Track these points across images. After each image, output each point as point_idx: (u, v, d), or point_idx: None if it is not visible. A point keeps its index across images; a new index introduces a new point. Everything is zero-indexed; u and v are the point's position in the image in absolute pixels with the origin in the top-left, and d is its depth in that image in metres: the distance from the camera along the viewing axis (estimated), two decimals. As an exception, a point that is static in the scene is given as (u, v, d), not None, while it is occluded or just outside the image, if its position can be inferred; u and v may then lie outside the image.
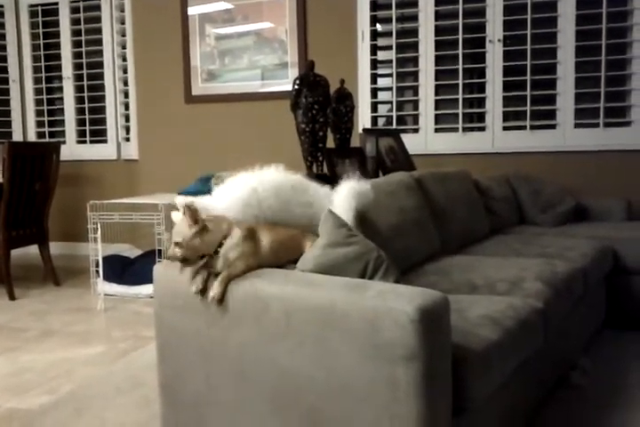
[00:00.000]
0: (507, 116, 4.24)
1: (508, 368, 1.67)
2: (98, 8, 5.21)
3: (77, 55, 5.34)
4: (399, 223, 2.35)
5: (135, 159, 5.21)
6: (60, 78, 5.42)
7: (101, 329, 3.25)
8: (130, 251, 4.47)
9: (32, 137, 5.53)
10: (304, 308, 1.45)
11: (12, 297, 3.87)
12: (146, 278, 3.75)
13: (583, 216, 3.65)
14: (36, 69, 5.49)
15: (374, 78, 4.51)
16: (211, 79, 4.90)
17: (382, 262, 1.68)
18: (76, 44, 5.35)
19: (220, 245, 1.60)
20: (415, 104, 4.43)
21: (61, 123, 5.47)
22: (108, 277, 3.87)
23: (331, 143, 3.26)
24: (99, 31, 5.23)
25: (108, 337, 3.11)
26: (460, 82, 4.22)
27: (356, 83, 4.44)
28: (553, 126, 4.11)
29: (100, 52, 5.24)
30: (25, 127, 5.55)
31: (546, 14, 4.05)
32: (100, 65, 5.25)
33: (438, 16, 4.31)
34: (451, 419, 1.43)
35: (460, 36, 4.19)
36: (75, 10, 5.30)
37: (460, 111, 4.25)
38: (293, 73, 4.59)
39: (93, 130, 5.37)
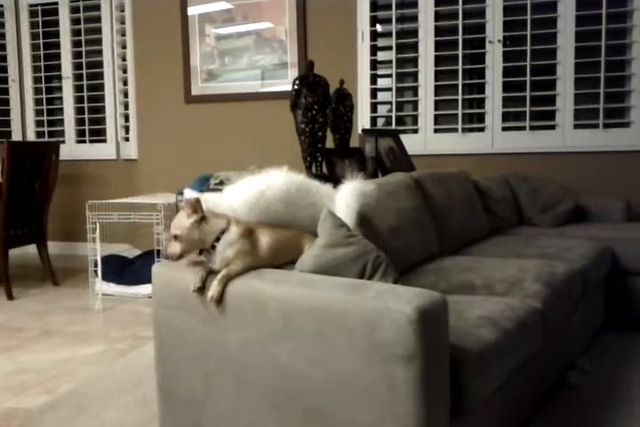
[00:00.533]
0: (506, 117, 4.24)
1: (506, 369, 1.67)
2: (97, 8, 5.21)
3: (77, 55, 5.34)
4: (398, 224, 2.35)
5: (134, 159, 5.21)
6: (59, 78, 5.41)
7: (100, 329, 3.25)
8: (128, 251, 4.47)
9: (31, 136, 5.53)
10: (303, 308, 1.45)
11: (10, 297, 3.86)
12: (144, 278, 3.75)
13: (582, 217, 3.65)
14: (36, 69, 5.48)
15: (374, 79, 4.51)
16: (210, 79, 4.90)
17: (381, 263, 1.68)
18: (76, 43, 5.35)
19: (218, 239, 1.60)
20: (415, 105, 4.43)
21: (61, 122, 5.47)
22: (107, 277, 3.87)
23: (330, 143, 3.26)
24: (98, 31, 5.22)
25: (107, 337, 3.11)
26: (460, 82, 4.23)
27: (355, 83, 4.44)
28: (552, 127, 4.11)
29: (100, 52, 5.24)
30: (24, 127, 5.55)
31: (545, 15, 4.05)
32: (100, 65, 5.24)
33: (438, 16, 4.32)
34: (449, 419, 1.43)
35: (460, 37, 4.19)
36: (74, 9, 5.30)
37: (459, 112, 4.25)
38: (293, 73, 4.59)
39: (93, 129, 5.37)
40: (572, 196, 3.72)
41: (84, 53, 5.29)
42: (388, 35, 4.45)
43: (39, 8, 5.39)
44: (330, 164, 3.16)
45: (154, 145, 5.11)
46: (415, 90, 4.41)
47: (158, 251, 3.62)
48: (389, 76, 4.45)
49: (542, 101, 4.14)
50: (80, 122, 5.40)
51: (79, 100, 5.37)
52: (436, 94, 4.34)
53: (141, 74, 5.10)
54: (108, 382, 2.48)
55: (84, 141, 5.38)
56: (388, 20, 4.43)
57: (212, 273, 1.63)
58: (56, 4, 5.32)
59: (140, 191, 5.05)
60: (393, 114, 4.42)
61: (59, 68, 5.39)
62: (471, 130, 4.30)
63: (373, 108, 4.52)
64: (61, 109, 5.43)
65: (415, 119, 4.44)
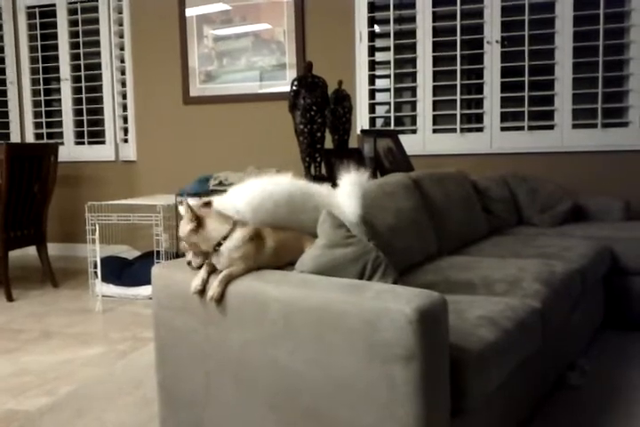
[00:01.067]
0: (505, 117, 4.24)
1: (506, 369, 1.67)
2: (95, 9, 5.21)
3: (75, 57, 5.34)
4: (397, 224, 2.35)
5: (133, 160, 5.21)
6: (57, 80, 5.41)
7: (100, 330, 3.25)
8: (128, 252, 4.47)
9: (30, 138, 5.52)
10: (303, 309, 1.45)
11: (10, 299, 3.86)
12: (144, 280, 3.75)
13: (581, 216, 3.65)
14: (34, 71, 5.48)
15: (372, 79, 4.52)
16: (209, 80, 4.90)
17: (381, 263, 1.68)
18: (74, 45, 5.35)
19: (220, 244, 1.61)
20: (413, 105, 4.44)
21: (59, 124, 5.46)
22: (107, 279, 3.87)
23: (329, 144, 3.26)
24: (96, 33, 5.22)
25: (107, 338, 3.10)
26: (458, 83, 4.23)
27: (354, 84, 4.44)
28: (551, 127, 4.12)
29: (98, 54, 5.24)
30: (23, 129, 5.55)
31: (543, 15, 4.05)
32: (98, 66, 5.24)
33: (436, 17, 4.32)
34: (449, 419, 1.43)
35: (458, 37, 4.20)
36: (72, 11, 5.30)
37: (457, 112, 4.25)
38: (291, 74, 4.60)
39: (91, 131, 5.37)
40: (570, 195, 3.73)
41: (82, 55, 5.29)
42: (386, 35, 4.45)
43: (37, 10, 5.39)
44: (329, 164, 3.16)
45: (152, 146, 5.11)
46: (413, 90, 4.42)
47: (158, 252, 3.62)
48: (388, 76, 4.46)
49: (540, 101, 4.15)
50: (79, 123, 5.40)
51: (78, 101, 5.37)
52: (434, 95, 4.34)
53: (140, 75, 5.10)
54: (108, 384, 2.48)
55: (82, 143, 5.38)
56: (386, 21, 4.43)
57: (214, 272, 1.64)
58: (54, 5, 5.32)
59: (139, 193, 5.05)
60: (391, 114, 4.43)
61: (57, 69, 5.39)
62: (470, 130, 4.30)
63: (372, 108, 4.52)
64: (60, 111, 5.42)
65: (414, 120, 4.44)
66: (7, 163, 3.74)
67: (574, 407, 2.18)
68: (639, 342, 2.83)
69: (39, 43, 5.43)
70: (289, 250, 1.72)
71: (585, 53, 4.01)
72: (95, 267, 3.77)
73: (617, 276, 3.00)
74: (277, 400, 1.52)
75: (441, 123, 4.39)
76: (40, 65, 5.44)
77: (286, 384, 1.49)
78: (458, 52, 4.21)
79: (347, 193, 1.89)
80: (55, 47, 5.38)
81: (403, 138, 3.80)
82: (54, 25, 5.36)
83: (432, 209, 2.74)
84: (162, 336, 1.75)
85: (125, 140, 5.26)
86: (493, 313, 1.76)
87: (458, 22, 4.19)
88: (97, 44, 5.23)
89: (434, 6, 4.29)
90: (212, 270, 1.65)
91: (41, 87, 5.45)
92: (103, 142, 5.31)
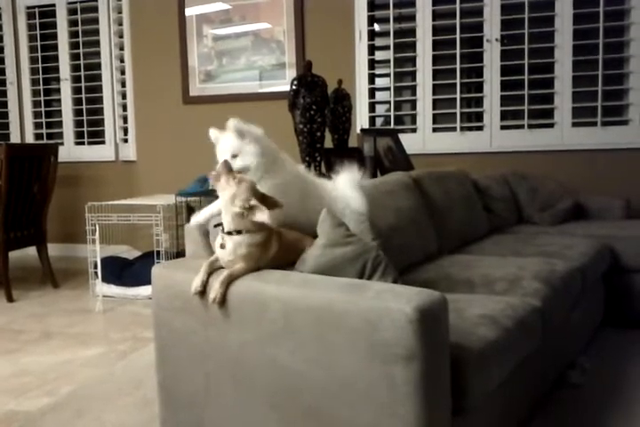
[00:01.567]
0: (505, 116, 4.24)
1: (507, 367, 1.67)
2: (95, 9, 5.20)
3: (75, 57, 5.33)
4: (397, 223, 2.35)
5: (133, 160, 5.21)
6: (57, 80, 5.41)
7: (100, 331, 3.25)
8: (128, 252, 4.47)
9: (30, 139, 5.52)
10: (303, 308, 1.45)
11: (10, 299, 3.86)
12: (144, 280, 3.74)
13: (581, 215, 3.65)
14: (34, 71, 5.48)
15: (372, 78, 4.51)
16: (208, 80, 4.90)
17: (381, 262, 1.68)
18: (74, 45, 5.34)
19: (240, 232, 1.60)
20: (413, 104, 4.43)
21: (59, 124, 5.46)
22: (107, 279, 3.87)
23: (329, 143, 3.26)
24: (96, 33, 5.22)
25: (107, 339, 3.10)
26: (458, 81, 4.22)
27: (353, 83, 4.43)
28: (551, 125, 4.11)
29: (98, 54, 5.24)
30: (22, 129, 5.55)
31: (543, 13, 4.05)
32: (98, 66, 5.24)
33: (436, 16, 4.32)
34: (450, 418, 1.43)
35: (458, 36, 4.19)
36: (72, 11, 5.29)
37: (457, 111, 4.25)
38: (291, 73, 4.59)
39: (91, 131, 5.37)
40: (570, 194, 3.72)
41: (81, 55, 5.29)
42: (385, 34, 4.45)
43: (36, 10, 5.38)
44: (329, 164, 3.16)
45: (152, 146, 5.11)
46: (413, 89, 4.41)
47: (158, 252, 3.61)
48: (387, 75, 4.45)
49: (540, 100, 4.14)
50: (78, 124, 5.40)
51: (77, 101, 5.37)
52: (434, 93, 4.34)
53: (139, 75, 5.09)
54: (108, 384, 2.47)
55: (82, 143, 5.37)
56: (385, 20, 4.43)
57: (216, 271, 1.63)
58: (53, 5, 5.31)
59: (138, 193, 5.04)
60: (391, 113, 4.42)
61: (56, 70, 5.39)
62: (470, 129, 4.30)
63: (372, 107, 4.52)
64: (60, 111, 5.42)
65: (413, 118, 4.43)
66: (7, 163, 3.74)
67: (575, 406, 2.17)
68: (639, 340, 2.83)
69: (39, 43, 5.43)
70: (290, 251, 1.72)
71: (585, 51, 4.00)
72: (95, 267, 3.77)
73: (617, 274, 3.00)
74: (277, 400, 1.52)
75: (441, 121, 4.38)
76: (40, 65, 5.44)
77: (286, 384, 1.49)
78: (457, 51, 4.20)
79: (348, 187, 1.91)
80: (55, 47, 5.38)
81: (403, 137, 3.80)
82: (54, 25, 5.36)
83: (432, 208, 2.74)
84: (162, 336, 1.75)
85: (125, 140, 5.26)
86: (494, 312, 1.76)
87: (457, 21, 4.19)
88: (97, 43, 5.23)
89: (433, 5, 4.28)
90: (211, 271, 1.64)
91: (41, 87, 5.45)
92: (103, 142, 5.30)
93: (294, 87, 3.08)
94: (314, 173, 3.11)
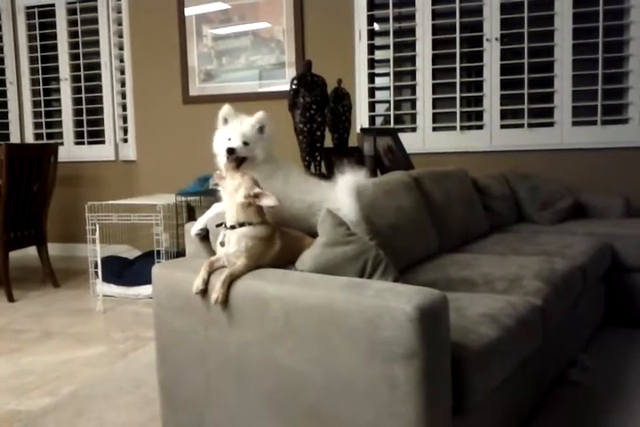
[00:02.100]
0: (504, 115, 4.23)
1: (507, 366, 1.67)
2: (95, 9, 5.20)
3: (74, 57, 5.33)
4: (397, 222, 2.35)
5: (133, 160, 5.20)
6: (57, 80, 5.41)
7: (101, 330, 3.25)
8: (128, 252, 4.46)
9: (30, 139, 5.52)
10: (303, 308, 1.45)
11: (10, 299, 3.86)
12: (145, 279, 3.74)
13: (582, 213, 3.65)
14: (34, 71, 5.48)
15: (372, 78, 4.51)
16: (208, 80, 4.90)
17: (381, 261, 1.68)
18: (73, 45, 5.34)
19: (244, 224, 1.63)
20: (413, 103, 4.43)
21: (59, 124, 5.46)
22: (107, 279, 3.87)
23: (329, 143, 3.25)
24: (96, 32, 5.22)
25: (108, 338, 3.10)
26: (458, 80, 4.22)
27: (353, 82, 4.43)
28: (551, 124, 4.11)
29: (97, 54, 5.23)
30: (22, 129, 5.55)
31: (543, 12, 4.05)
32: (98, 66, 5.24)
33: (435, 15, 4.31)
34: (451, 417, 1.43)
35: (458, 35, 4.19)
36: (71, 11, 5.29)
37: (457, 110, 4.25)
38: (291, 73, 4.59)
39: (91, 131, 5.37)
40: (571, 192, 3.73)
41: (81, 55, 5.29)
42: (385, 33, 4.44)
43: (36, 10, 5.38)
44: (329, 163, 3.16)
45: (152, 146, 5.11)
46: (413, 88, 4.41)
47: (158, 252, 3.61)
48: (387, 74, 4.45)
49: (540, 99, 4.14)
50: (78, 123, 5.39)
51: (77, 101, 5.37)
52: (433, 93, 4.33)
53: (139, 75, 5.09)
54: (109, 384, 2.48)
55: (82, 143, 5.37)
56: (385, 19, 4.43)
57: (216, 270, 1.64)
58: (53, 5, 5.31)
59: (139, 192, 5.04)
60: (391, 113, 4.42)
61: (56, 69, 5.39)
62: (469, 128, 4.30)
63: (371, 107, 4.51)
64: (59, 111, 5.42)
65: (413, 118, 4.43)
66: (7, 163, 3.74)
67: (575, 403, 2.17)
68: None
69: (38, 43, 5.43)
70: (291, 250, 1.72)
71: (584, 50, 4.00)
72: (96, 267, 3.77)
73: (617, 273, 3.00)
74: (278, 399, 1.52)
75: (441, 121, 4.38)
76: (39, 65, 5.44)
77: (287, 383, 1.49)
78: (457, 50, 4.20)
79: (344, 193, 1.90)
80: (54, 47, 5.38)
81: (402, 136, 3.80)
82: (53, 25, 5.36)
83: (432, 207, 2.74)
84: (162, 336, 1.75)
85: (125, 140, 5.25)
86: (494, 311, 1.76)
87: (457, 20, 4.19)
88: (96, 43, 5.23)
89: (433, 4, 4.28)
90: (212, 270, 1.64)
91: (40, 87, 5.45)
92: (103, 142, 5.30)
93: (294, 87, 3.07)
94: (313, 173, 3.11)
